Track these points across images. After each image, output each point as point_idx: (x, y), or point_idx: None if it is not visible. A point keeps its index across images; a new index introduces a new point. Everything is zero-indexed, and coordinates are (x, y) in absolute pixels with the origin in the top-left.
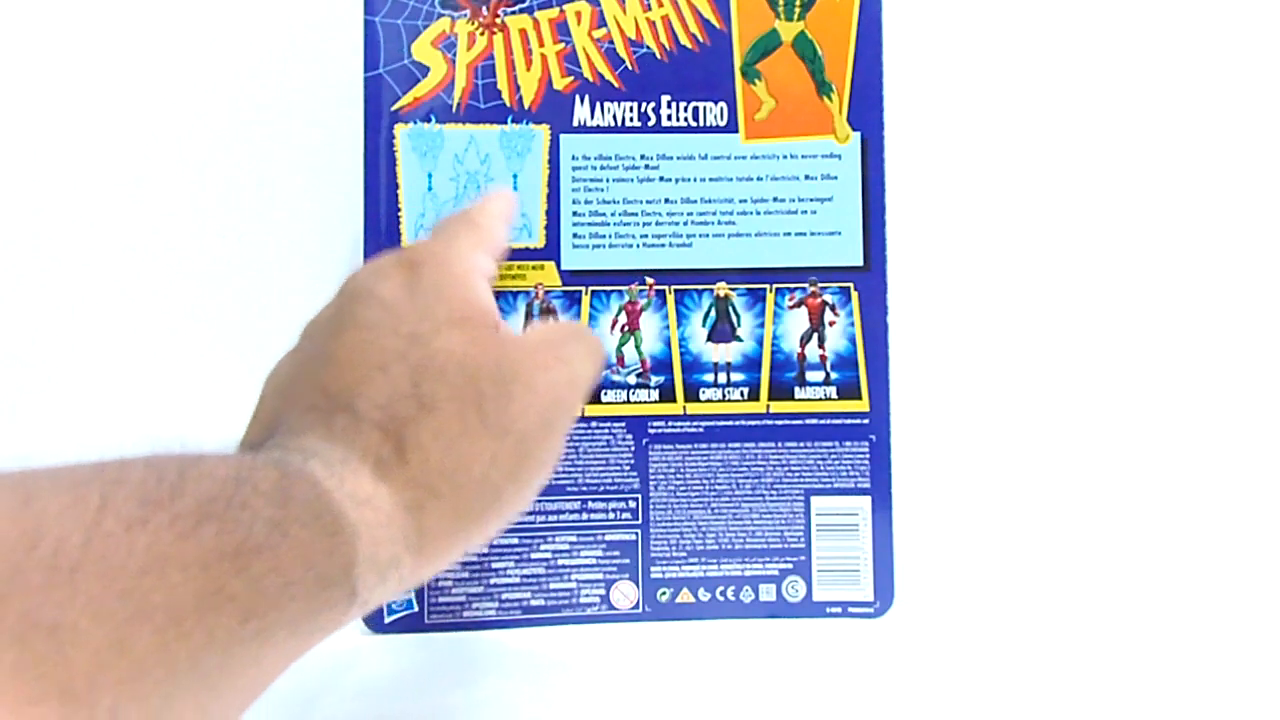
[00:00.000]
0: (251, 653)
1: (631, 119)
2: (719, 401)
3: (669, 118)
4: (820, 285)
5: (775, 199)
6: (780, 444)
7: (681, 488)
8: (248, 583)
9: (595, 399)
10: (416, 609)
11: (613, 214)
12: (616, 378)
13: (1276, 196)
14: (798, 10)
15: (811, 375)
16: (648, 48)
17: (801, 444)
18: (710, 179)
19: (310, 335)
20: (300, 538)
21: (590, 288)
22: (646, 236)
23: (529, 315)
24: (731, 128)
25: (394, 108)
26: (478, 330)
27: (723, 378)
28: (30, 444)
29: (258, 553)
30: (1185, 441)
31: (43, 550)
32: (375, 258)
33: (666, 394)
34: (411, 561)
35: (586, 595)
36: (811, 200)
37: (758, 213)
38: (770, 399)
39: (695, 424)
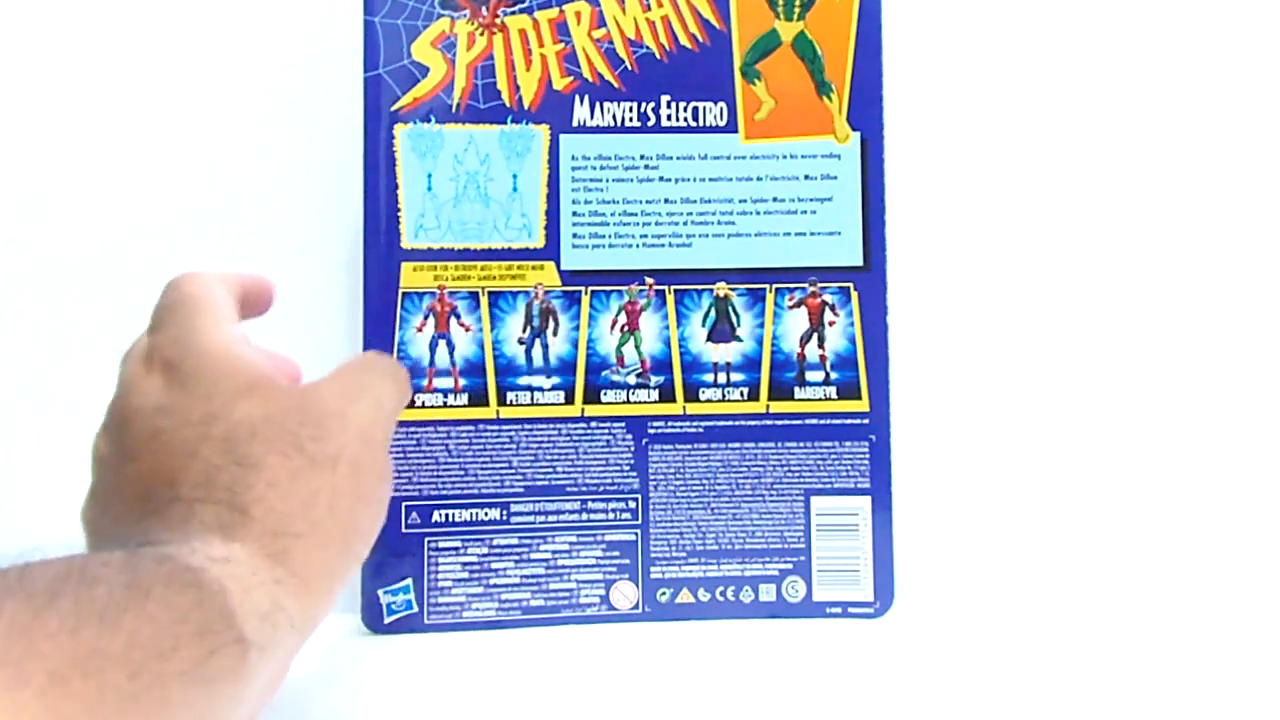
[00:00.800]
0: (150, 705)
1: (631, 119)
2: (719, 401)
3: (669, 118)
4: (820, 285)
5: (775, 199)
6: (780, 444)
7: (681, 488)
8: (121, 639)
9: (595, 399)
10: (416, 609)
11: (612, 214)
12: (616, 378)
13: (1276, 196)
14: (797, 10)
15: (811, 375)
16: (647, 48)
17: (801, 444)
18: (710, 179)
19: (99, 468)
20: (163, 595)
21: (590, 288)
22: (646, 236)
23: (529, 315)
24: (731, 128)
25: (394, 108)
26: (268, 390)
27: (722, 378)
28: (30, 443)
29: (123, 612)
30: (1185, 441)
31: None
32: (127, 366)
33: (666, 394)
34: (295, 603)
35: (586, 595)
36: (811, 200)
37: (757, 213)
38: (770, 399)
39: (695, 424)
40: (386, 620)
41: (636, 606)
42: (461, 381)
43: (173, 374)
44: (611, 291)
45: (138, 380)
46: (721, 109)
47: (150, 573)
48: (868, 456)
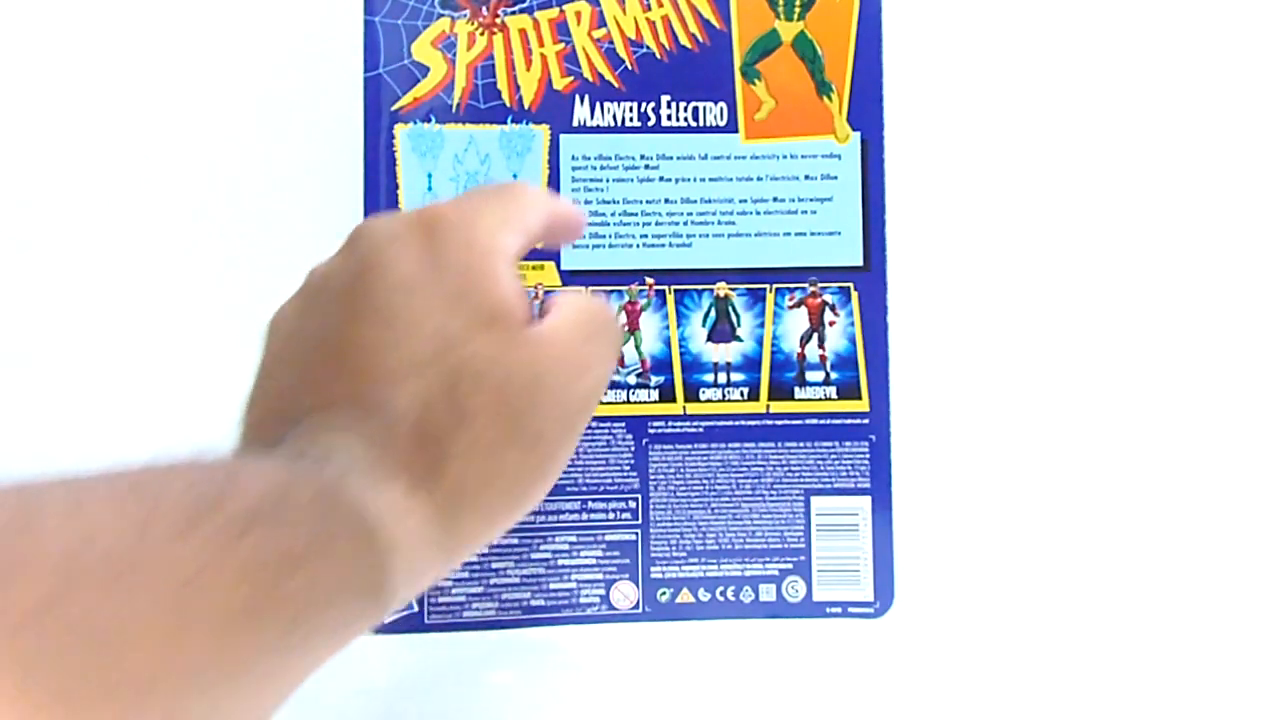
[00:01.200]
0: (296, 658)
1: (631, 119)
2: (719, 401)
3: (669, 118)
4: (820, 285)
5: (775, 199)
6: (780, 444)
7: (681, 488)
8: (292, 591)
9: None
10: (416, 609)
11: (612, 214)
12: (616, 378)
13: (1277, 196)
14: (797, 10)
15: (811, 375)
16: (647, 48)
17: (801, 444)
18: (710, 179)
19: (320, 296)
20: (340, 550)
21: (590, 288)
22: (646, 236)
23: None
24: (731, 128)
25: (394, 108)
26: (508, 330)
27: (723, 378)
28: (29, 442)
29: (300, 563)
30: (1186, 441)
31: (92, 557)
32: (388, 214)
33: (666, 394)
34: (441, 565)
35: (586, 595)
36: (811, 200)
37: (758, 213)
38: (770, 399)
39: (695, 424)
40: (387, 620)
41: (636, 606)
42: None
43: (433, 244)
44: (611, 291)
45: (403, 227)
46: (722, 109)
47: (335, 524)
48: (868, 456)
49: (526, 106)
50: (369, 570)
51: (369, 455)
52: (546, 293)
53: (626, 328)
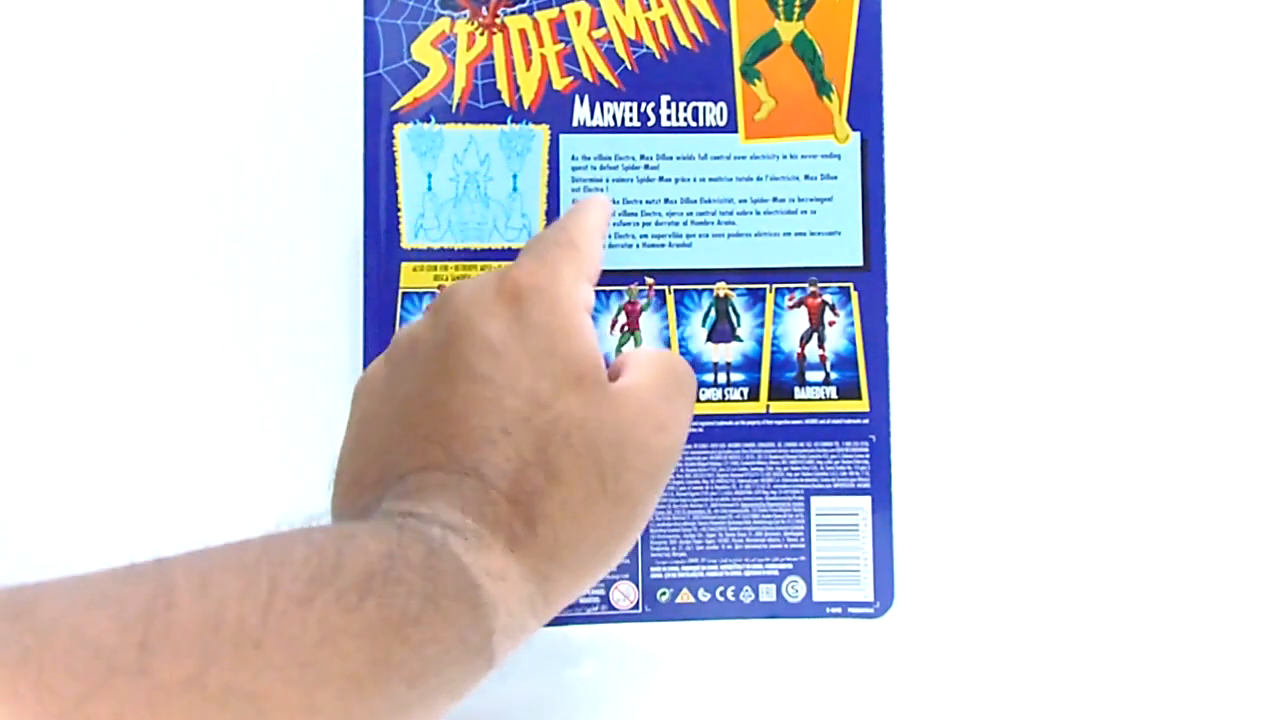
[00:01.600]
0: (418, 715)
1: (631, 119)
2: (718, 402)
3: (669, 118)
4: (820, 285)
5: (775, 199)
6: (780, 444)
7: (681, 488)
8: (411, 651)
9: None
10: None
11: (612, 214)
12: None
13: (1277, 197)
14: (797, 10)
15: (811, 375)
16: (647, 48)
17: (801, 444)
18: (710, 179)
19: (408, 363)
20: (449, 610)
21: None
22: (646, 236)
23: None
24: (731, 128)
25: (393, 108)
26: (593, 388)
27: (722, 378)
28: (30, 441)
29: (416, 624)
30: (1186, 441)
31: (227, 630)
32: (474, 281)
33: None
34: (535, 624)
35: (586, 595)
36: (811, 200)
37: (757, 213)
38: (770, 399)
39: (695, 424)
40: None
41: (636, 606)
42: None
43: (519, 311)
44: (611, 291)
45: (488, 295)
46: (721, 109)
47: (444, 585)
48: (868, 456)
49: (526, 106)
50: (475, 628)
51: (466, 520)
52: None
53: (626, 328)
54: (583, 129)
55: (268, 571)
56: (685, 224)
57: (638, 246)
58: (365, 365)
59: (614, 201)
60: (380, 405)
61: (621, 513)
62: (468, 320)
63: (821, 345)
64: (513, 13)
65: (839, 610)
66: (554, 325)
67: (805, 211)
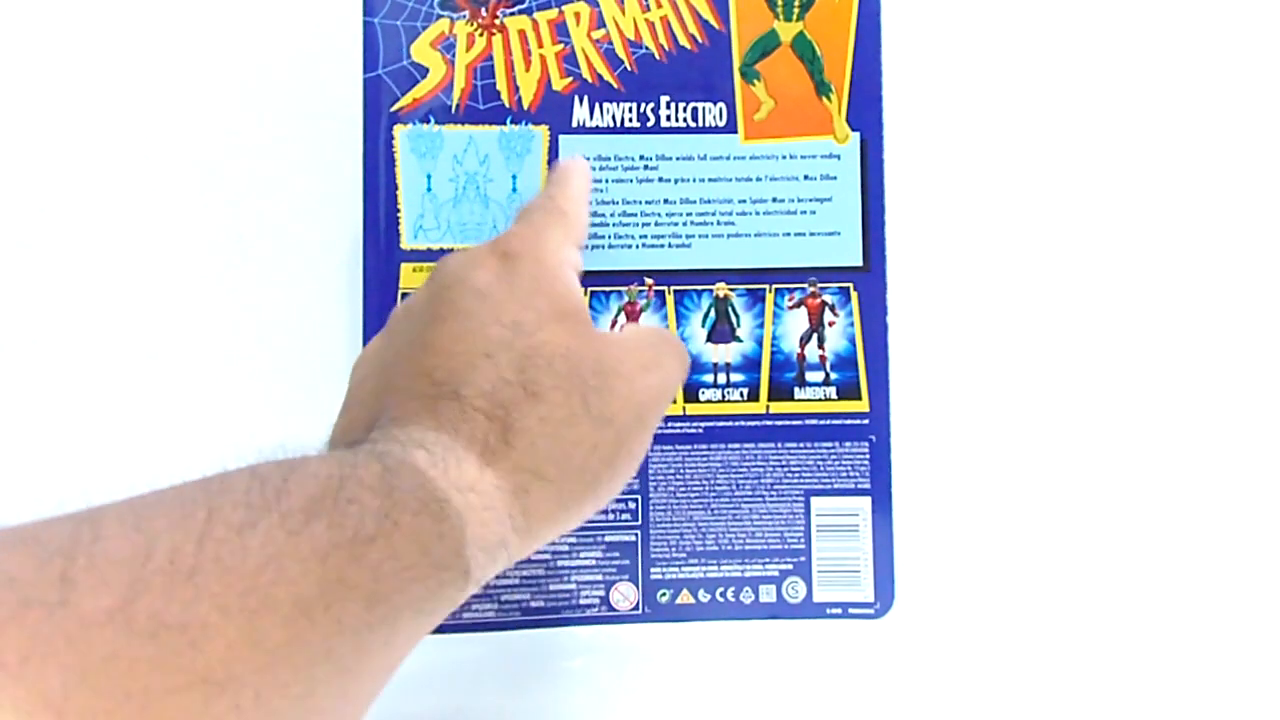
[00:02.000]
0: (382, 636)
1: (630, 120)
2: (719, 402)
3: (668, 118)
4: (820, 285)
5: (774, 199)
6: (780, 445)
7: (681, 489)
8: (366, 571)
9: None
10: None
11: (612, 215)
12: None
13: (1276, 197)
14: (796, 11)
15: (811, 376)
16: (647, 48)
17: (801, 444)
18: (709, 179)
19: (402, 323)
20: (410, 525)
21: (589, 288)
22: (646, 237)
23: None
24: (730, 128)
25: (393, 109)
26: (578, 325)
27: (722, 378)
28: (29, 440)
29: (371, 542)
30: (1186, 441)
31: (157, 560)
32: (465, 249)
33: None
34: (517, 541)
35: (586, 596)
36: (811, 200)
37: (757, 213)
38: (770, 399)
39: (695, 424)
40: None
41: (636, 607)
42: None
43: (507, 265)
44: (611, 292)
45: (479, 254)
46: (721, 109)
47: (402, 500)
48: (868, 457)
49: (526, 107)
50: (442, 541)
51: (439, 436)
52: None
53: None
54: (582, 130)
55: (205, 503)
56: (685, 224)
57: (637, 247)
58: None
59: (613, 202)
60: (374, 366)
61: (607, 436)
62: (457, 274)
63: (821, 345)
64: (512, 13)
65: (839, 611)
66: (541, 274)
67: (805, 212)
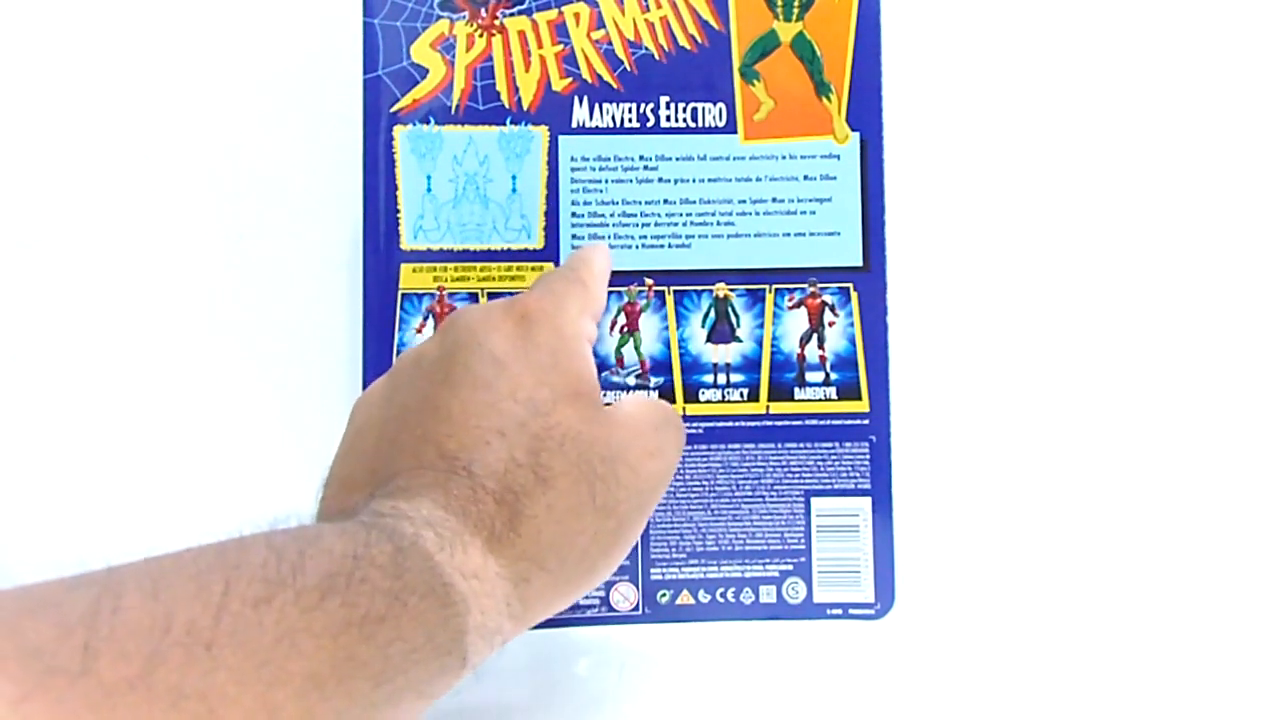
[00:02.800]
0: (387, 715)
1: (630, 120)
2: (718, 403)
3: (668, 119)
4: (820, 286)
5: (774, 199)
6: (780, 445)
7: (681, 489)
8: (376, 650)
9: None
10: None
11: (611, 215)
12: (616, 379)
13: (1276, 197)
14: (796, 11)
15: (811, 376)
16: (646, 49)
17: (801, 445)
18: (709, 180)
19: (410, 374)
20: (418, 609)
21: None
22: (645, 237)
23: None
24: (730, 128)
25: (393, 109)
26: (590, 407)
27: (722, 379)
28: (27, 440)
29: (381, 623)
30: (1186, 441)
31: (176, 632)
32: (482, 305)
33: (666, 395)
34: (511, 628)
35: (586, 597)
36: (810, 201)
37: (757, 213)
38: (770, 400)
39: (695, 425)
40: None
41: (636, 608)
42: None
43: (524, 329)
44: (611, 293)
45: (496, 313)
46: (720, 110)
47: (411, 583)
48: (868, 457)
49: (525, 108)
50: (445, 627)
51: (449, 518)
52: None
53: (626, 329)
54: (582, 130)
55: (222, 575)
56: (684, 225)
57: (637, 247)
58: (364, 365)
59: (613, 202)
60: (377, 413)
61: (609, 526)
62: (473, 334)
63: (821, 346)
64: (512, 14)
65: (839, 612)
66: (557, 345)
67: (804, 212)
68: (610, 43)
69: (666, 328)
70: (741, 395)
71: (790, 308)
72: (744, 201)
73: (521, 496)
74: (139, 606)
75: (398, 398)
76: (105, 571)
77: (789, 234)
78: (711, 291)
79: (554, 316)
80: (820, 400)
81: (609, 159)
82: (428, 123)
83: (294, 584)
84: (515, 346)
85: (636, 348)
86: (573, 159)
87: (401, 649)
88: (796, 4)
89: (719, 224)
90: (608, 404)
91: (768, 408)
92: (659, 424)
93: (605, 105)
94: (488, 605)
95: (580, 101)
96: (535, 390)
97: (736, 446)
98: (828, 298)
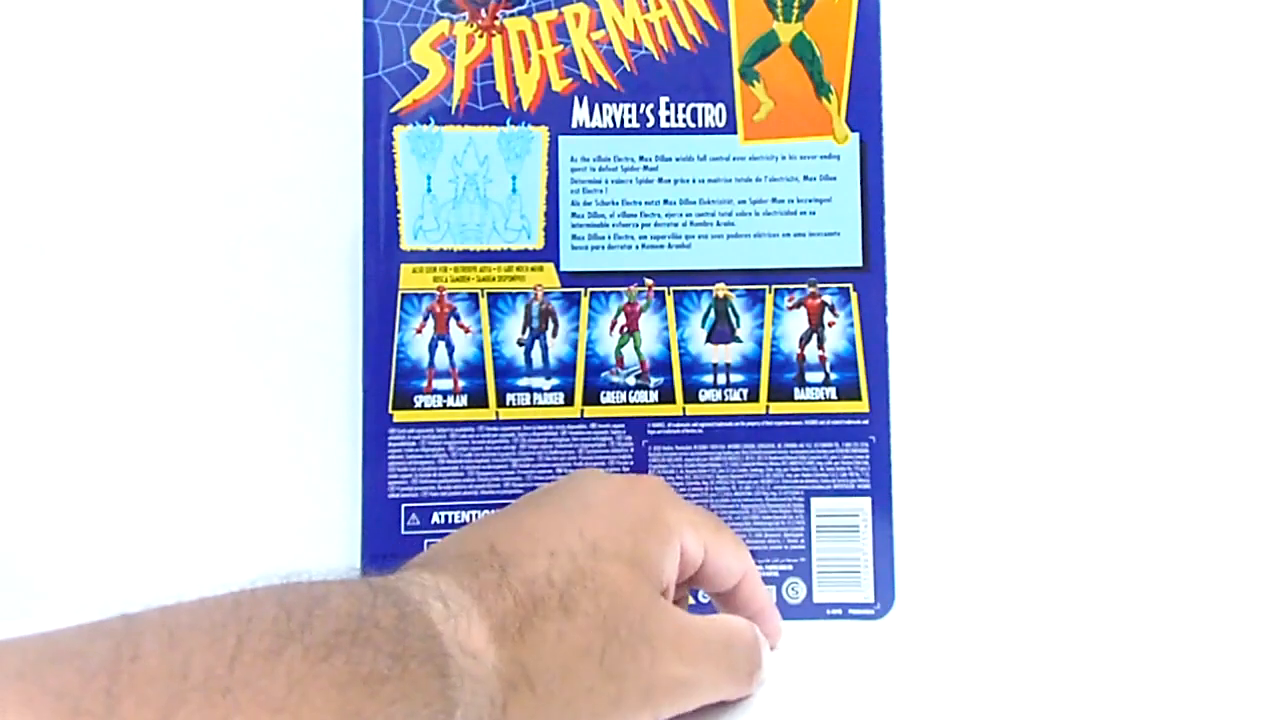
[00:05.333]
0: None
1: (630, 120)
2: (718, 403)
3: (668, 119)
4: (819, 286)
5: (774, 200)
6: (780, 445)
7: (681, 489)
8: (380, 707)
9: (595, 400)
10: None
11: (611, 215)
12: (616, 379)
13: (1276, 197)
14: (796, 11)
15: (811, 376)
16: (646, 49)
17: (801, 445)
18: (709, 180)
19: (527, 501)
20: (417, 674)
21: (589, 289)
22: (645, 238)
23: (528, 317)
24: (730, 129)
25: (393, 110)
26: (644, 582)
27: (722, 379)
28: (27, 439)
29: (385, 682)
30: (1186, 441)
31: (194, 678)
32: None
33: (666, 395)
34: None
35: None
36: (810, 201)
37: (756, 214)
38: (770, 400)
39: (695, 425)
40: None
41: None
42: (461, 383)
43: (628, 488)
44: (611, 293)
45: (616, 479)
46: (720, 110)
47: (412, 648)
48: (868, 457)
49: (525, 108)
50: (441, 696)
51: (466, 592)
52: (546, 294)
53: (626, 329)
54: (582, 130)
55: (236, 628)
56: (684, 225)
57: (637, 248)
58: (365, 365)
59: (613, 203)
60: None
61: (606, 691)
62: (586, 476)
63: (821, 346)
64: (511, 15)
65: (839, 612)
66: (649, 520)
67: (804, 212)
68: (610, 43)
69: (666, 328)
70: (741, 395)
71: (790, 308)
72: (744, 202)
73: (539, 610)
74: (157, 654)
75: (505, 514)
76: (122, 621)
77: (789, 234)
78: (711, 291)
79: (667, 502)
80: (820, 400)
81: (609, 159)
82: (428, 123)
83: (302, 639)
84: (612, 497)
85: (636, 348)
86: (573, 159)
87: (403, 709)
88: (796, 4)
89: (719, 224)
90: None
91: (767, 408)
92: (718, 641)
93: (605, 105)
94: (478, 690)
95: (580, 102)
96: (604, 537)
97: (736, 446)
98: (827, 298)
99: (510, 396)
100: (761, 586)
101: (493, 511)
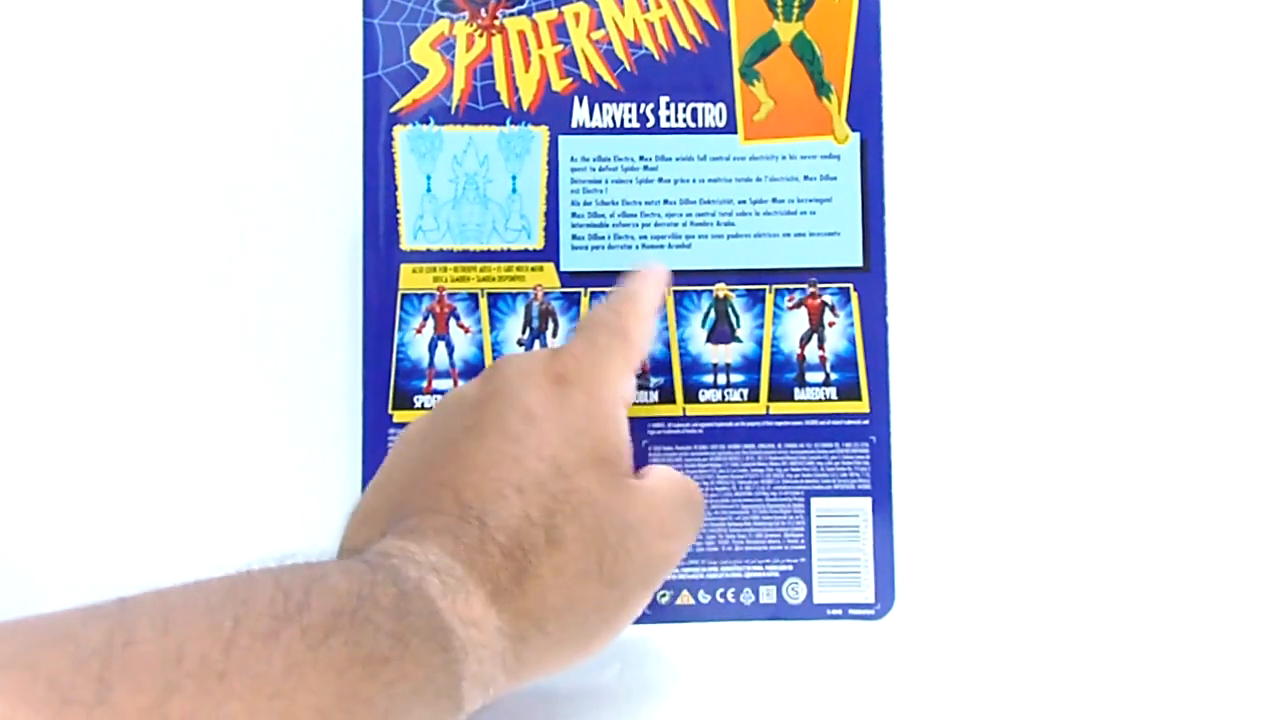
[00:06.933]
0: None
1: (630, 120)
2: (718, 403)
3: (668, 119)
4: (820, 286)
5: (774, 200)
6: (780, 445)
7: None
8: (380, 688)
9: None
10: None
11: (611, 215)
12: None
13: (1276, 196)
14: (796, 11)
15: (811, 376)
16: (646, 49)
17: (801, 445)
18: (709, 180)
19: (449, 417)
20: (419, 651)
21: (589, 289)
22: (645, 238)
23: (528, 317)
24: (730, 129)
25: (393, 110)
26: (613, 476)
27: (722, 379)
28: (26, 438)
29: (385, 663)
30: (1186, 441)
31: (188, 664)
32: (527, 355)
33: (666, 395)
34: (504, 681)
35: None
36: (810, 201)
37: (757, 214)
38: (770, 400)
39: (695, 425)
40: None
41: None
42: (461, 383)
43: (561, 391)
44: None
45: (535, 368)
46: (720, 110)
47: (413, 625)
48: (868, 457)
49: (525, 108)
50: (444, 671)
51: (455, 565)
52: (546, 294)
53: None
54: (582, 130)
55: (231, 610)
56: (684, 225)
57: (637, 248)
58: (364, 365)
59: (613, 202)
60: (411, 450)
61: (613, 597)
62: (510, 386)
63: (821, 346)
64: (511, 14)
65: (840, 612)
66: (592, 409)
67: (804, 212)
68: (610, 43)
69: (666, 328)
70: (741, 395)
71: (790, 308)
72: (744, 202)
73: (530, 554)
74: (151, 640)
75: (431, 437)
76: (117, 604)
77: (789, 234)
78: (711, 292)
79: (592, 379)
80: (820, 400)
81: (609, 159)
82: (428, 123)
83: (300, 620)
84: (549, 405)
85: None
86: (573, 159)
87: (405, 688)
88: (796, 4)
89: (719, 224)
90: (638, 471)
91: (768, 408)
92: (680, 504)
93: (605, 105)
94: (484, 655)
95: (580, 101)
96: (561, 451)
97: (736, 447)
98: (828, 298)
99: None
100: (643, 278)
101: (412, 430)
